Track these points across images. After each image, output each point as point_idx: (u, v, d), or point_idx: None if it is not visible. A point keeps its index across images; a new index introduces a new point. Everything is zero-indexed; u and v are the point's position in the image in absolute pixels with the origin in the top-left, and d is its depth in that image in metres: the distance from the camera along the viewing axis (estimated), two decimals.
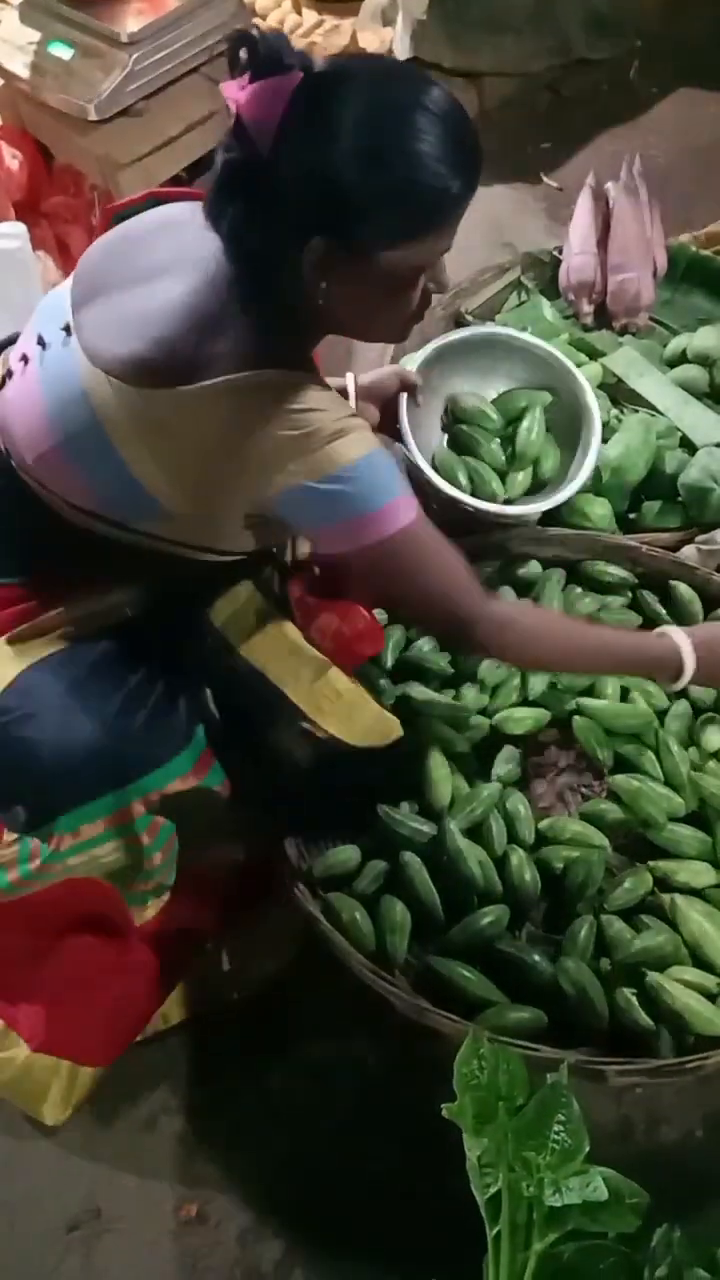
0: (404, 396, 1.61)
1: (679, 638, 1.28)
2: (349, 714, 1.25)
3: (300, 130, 0.95)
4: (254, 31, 0.97)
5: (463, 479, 1.69)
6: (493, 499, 1.69)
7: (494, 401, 1.81)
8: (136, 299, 1.08)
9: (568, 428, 1.75)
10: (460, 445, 1.77)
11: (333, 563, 1.27)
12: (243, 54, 0.96)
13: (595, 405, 1.70)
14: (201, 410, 1.03)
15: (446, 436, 1.78)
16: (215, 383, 1.02)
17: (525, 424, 1.76)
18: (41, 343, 1.13)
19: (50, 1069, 1.33)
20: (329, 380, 1.52)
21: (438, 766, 1.45)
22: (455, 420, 1.78)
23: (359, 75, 0.98)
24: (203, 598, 1.26)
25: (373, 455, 1.07)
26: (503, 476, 1.75)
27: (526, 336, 1.81)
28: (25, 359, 1.15)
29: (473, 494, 1.67)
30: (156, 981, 1.36)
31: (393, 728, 1.31)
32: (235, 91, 0.96)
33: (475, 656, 1.49)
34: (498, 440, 1.78)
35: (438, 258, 1.07)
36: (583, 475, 1.66)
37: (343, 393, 1.52)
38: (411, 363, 1.72)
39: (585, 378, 1.74)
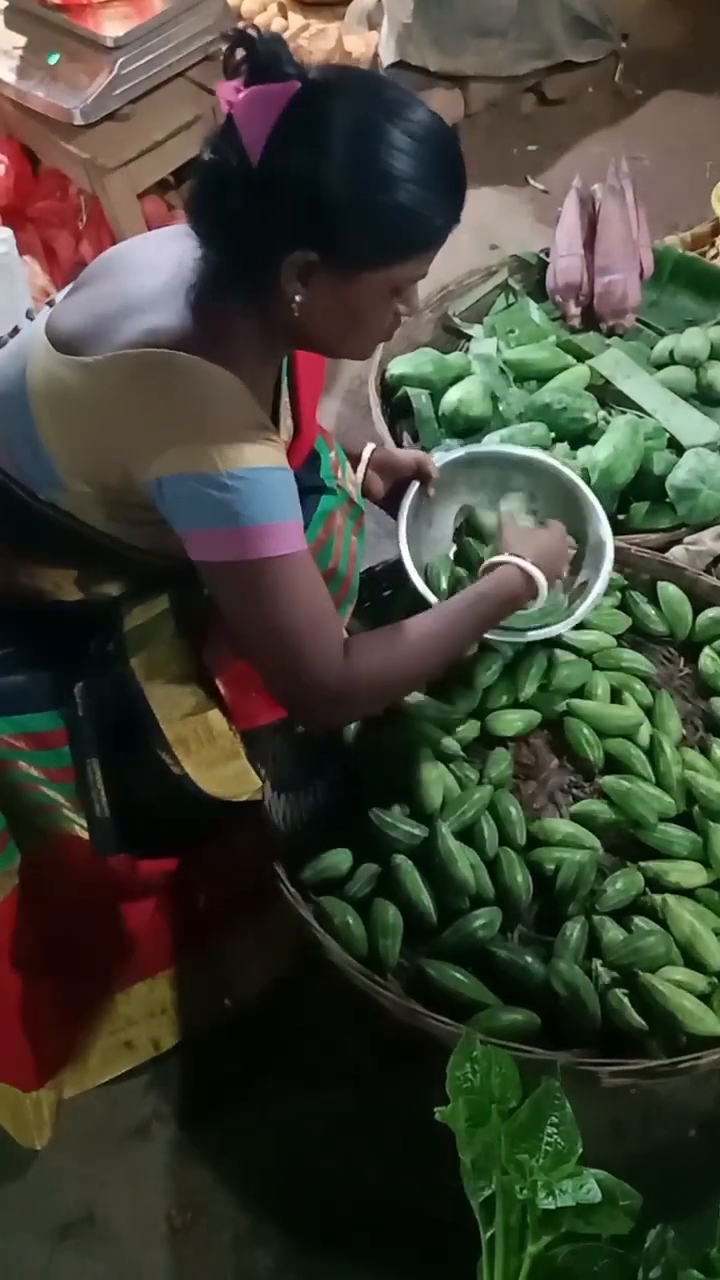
0: (415, 484, 1.57)
1: (517, 562, 1.32)
2: (213, 760, 1.20)
3: (293, 141, 0.94)
4: (253, 33, 0.96)
5: (444, 584, 1.56)
6: None
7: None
8: (111, 287, 1.10)
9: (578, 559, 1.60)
10: (465, 557, 1.64)
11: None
12: (240, 56, 0.95)
13: (610, 554, 1.54)
14: (102, 379, 1.02)
15: (455, 546, 1.68)
16: (120, 353, 1.02)
17: None
18: (30, 316, 1.15)
19: (11, 1098, 1.32)
20: (348, 447, 1.49)
21: (429, 769, 1.45)
22: (468, 531, 1.68)
23: (358, 93, 0.98)
24: (125, 601, 1.25)
25: (273, 471, 1.03)
26: None
27: (568, 471, 1.64)
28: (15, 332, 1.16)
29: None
30: (72, 1000, 1.34)
31: (249, 787, 1.24)
32: (230, 93, 0.95)
33: (310, 720, 1.30)
34: None
35: (414, 282, 1.07)
36: (575, 618, 1.50)
37: (357, 458, 1.50)
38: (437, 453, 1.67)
39: (607, 525, 1.58)
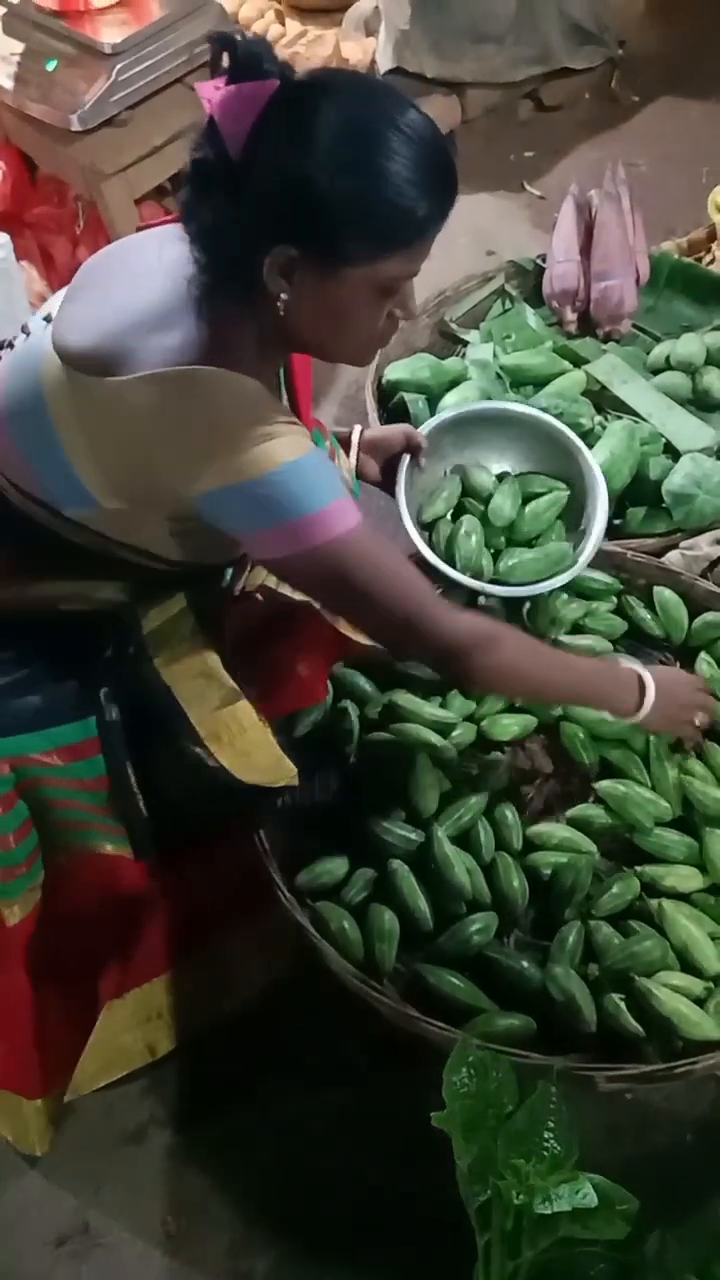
0: (406, 458, 1.59)
1: (645, 678, 1.30)
2: (248, 749, 1.22)
3: (273, 137, 0.95)
4: (235, 35, 0.97)
5: (458, 550, 1.61)
6: (477, 574, 1.59)
7: (514, 478, 1.72)
8: (114, 296, 1.10)
9: (574, 514, 1.68)
10: (463, 513, 1.68)
11: (283, 578, 1.23)
12: (224, 57, 0.96)
13: (604, 498, 1.62)
14: (131, 399, 1.03)
15: (450, 506, 1.69)
16: (146, 374, 1.02)
17: (535, 507, 1.68)
18: (25, 330, 1.17)
19: (14, 1105, 1.33)
20: (336, 430, 1.53)
21: (425, 773, 1.45)
22: (464, 493, 1.71)
23: (337, 88, 0.98)
24: (140, 605, 1.26)
25: (305, 459, 1.04)
26: (497, 553, 1.66)
27: (546, 417, 1.73)
28: (10, 346, 1.18)
29: (456, 565, 1.59)
30: (78, 1010, 1.35)
31: (286, 773, 1.26)
32: (210, 92, 0.96)
33: (444, 674, 1.33)
34: (502, 519, 1.67)
35: (403, 282, 1.06)
36: (578, 567, 1.58)
37: (347, 442, 1.52)
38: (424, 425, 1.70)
39: (597, 463, 1.68)
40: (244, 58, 0.95)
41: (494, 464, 1.74)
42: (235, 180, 0.97)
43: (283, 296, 1.02)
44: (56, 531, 1.16)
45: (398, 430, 1.60)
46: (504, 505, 1.66)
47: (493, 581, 1.59)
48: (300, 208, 0.97)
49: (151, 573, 1.21)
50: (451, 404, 1.92)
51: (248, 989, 1.45)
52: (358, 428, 1.54)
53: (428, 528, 1.65)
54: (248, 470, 1.02)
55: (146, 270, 1.10)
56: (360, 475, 1.54)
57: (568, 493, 1.68)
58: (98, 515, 1.12)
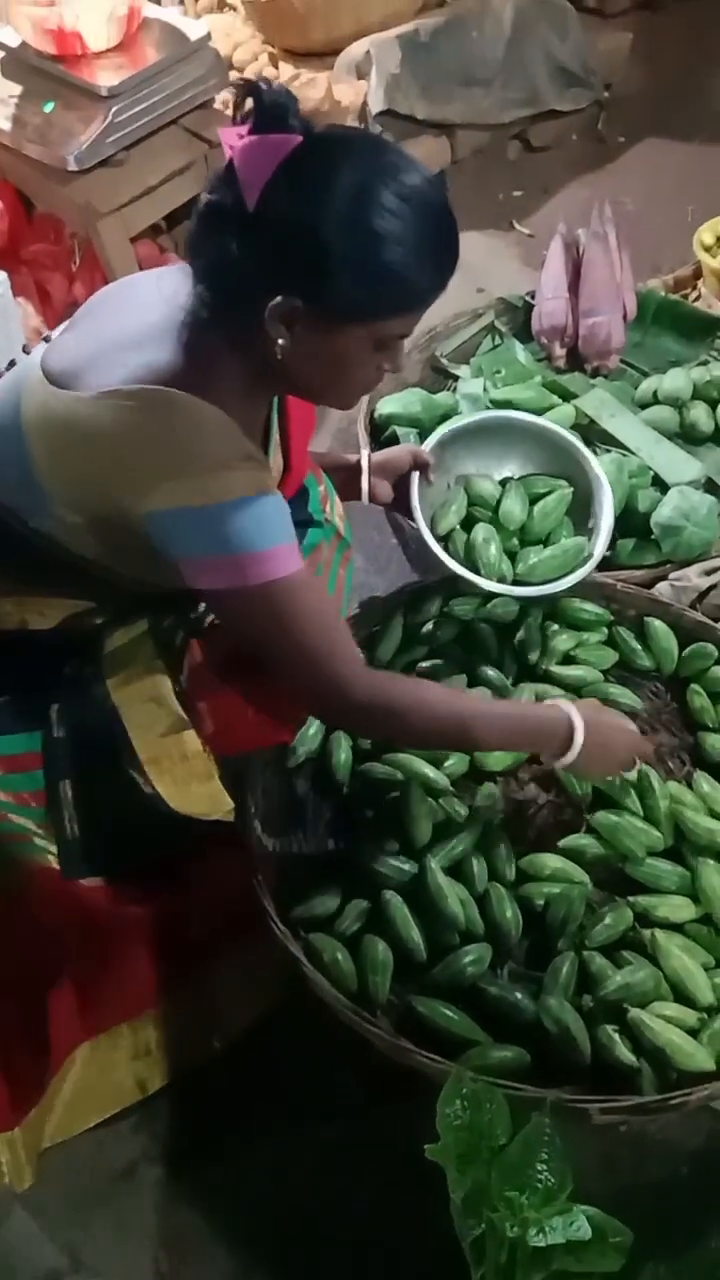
0: (416, 475, 1.61)
1: (569, 709, 1.29)
2: (185, 779, 1.21)
3: (290, 191, 0.97)
4: (263, 84, 0.99)
5: (479, 558, 1.64)
6: (501, 579, 1.63)
7: (517, 482, 1.75)
8: (107, 322, 1.13)
9: (579, 512, 1.72)
10: (472, 522, 1.72)
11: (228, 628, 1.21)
12: (249, 104, 0.98)
13: (609, 491, 1.67)
14: (95, 414, 1.04)
15: (461, 517, 1.72)
16: (116, 388, 1.04)
17: (543, 507, 1.71)
18: (26, 350, 1.17)
19: None
20: (345, 456, 1.55)
21: (418, 804, 1.45)
22: (470, 502, 1.74)
23: (357, 152, 1.01)
24: (107, 626, 1.26)
25: (260, 499, 1.05)
26: (513, 556, 1.69)
27: (541, 421, 1.78)
28: (12, 365, 1.18)
29: (480, 572, 1.62)
30: (47, 1039, 1.33)
31: (221, 807, 1.24)
32: (234, 139, 0.98)
33: (342, 728, 1.38)
34: (514, 522, 1.70)
35: (398, 341, 1.09)
36: (595, 558, 1.63)
37: (357, 467, 1.54)
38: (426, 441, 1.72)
39: (598, 464, 1.71)
40: (270, 108, 0.97)
41: (496, 471, 1.78)
42: (247, 226, 0.99)
43: (280, 342, 1.04)
44: (30, 543, 1.16)
45: (404, 450, 1.62)
46: (514, 508, 1.70)
47: (516, 583, 1.63)
48: (309, 264, 0.99)
49: (118, 593, 1.21)
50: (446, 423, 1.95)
51: (236, 1025, 1.44)
52: (365, 452, 1.56)
53: (442, 539, 1.67)
54: (199, 495, 1.03)
55: (144, 301, 1.12)
56: (373, 499, 1.56)
57: (571, 489, 1.72)
58: (59, 529, 1.12)
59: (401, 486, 1.61)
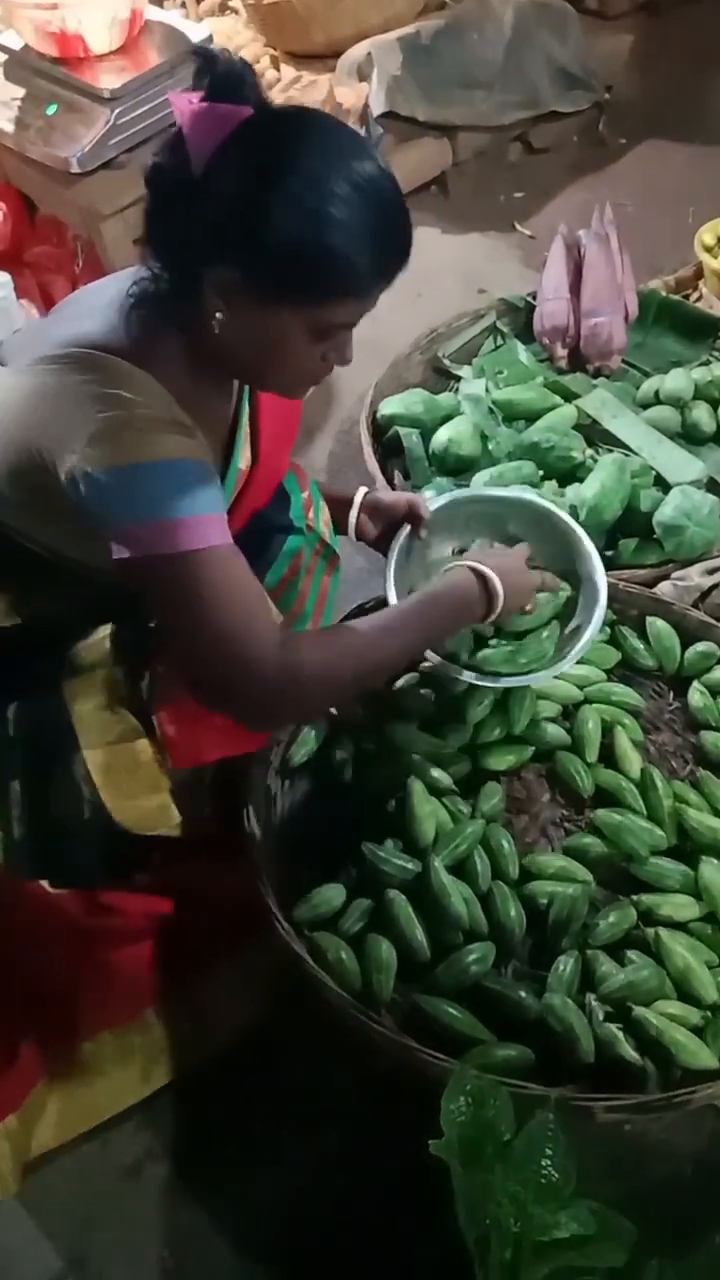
0: (406, 528, 1.51)
1: (474, 565, 1.28)
2: (133, 791, 1.18)
3: (235, 161, 0.96)
4: (217, 52, 0.99)
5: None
6: (452, 658, 1.49)
7: None
8: (65, 311, 1.14)
9: (570, 608, 1.56)
10: None
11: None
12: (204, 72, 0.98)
13: (603, 601, 1.49)
14: (23, 382, 1.04)
15: None
16: (45, 354, 1.04)
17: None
18: None
19: None
20: (343, 490, 1.50)
21: (421, 804, 1.45)
22: None
23: (308, 131, 1.00)
24: (75, 628, 1.25)
25: (185, 463, 1.01)
26: (480, 640, 1.54)
27: (561, 514, 1.59)
28: None
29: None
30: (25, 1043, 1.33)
31: (166, 822, 1.21)
32: (185, 105, 0.97)
33: (254, 725, 1.23)
34: None
35: (341, 331, 1.07)
36: (569, 660, 1.45)
37: (349, 502, 1.49)
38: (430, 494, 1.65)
39: (602, 570, 1.52)
40: (223, 77, 0.97)
41: (500, 544, 1.61)
42: (192, 193, 0.98)
43: (218, 315, 1.03)
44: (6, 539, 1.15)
45: (403, 499, 1.52)
46: None
47: (467, 667, 1.48)
48: (247, 237, 0.98)
49: (73, 581, 1.17)
50: (455, 433, 1.91)
51: (228, 1031, 1.43)
52: (362, 489, 1.51)
53: None
54: (121, 455, 0.99)
55: (98, 289, 1.14)
56: (359, 535, 1.51)
57: (568, 594, 1.55)
58: (7, 507, 1.11)
59: (390, 533, 1.52)
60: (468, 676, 1.45)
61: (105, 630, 1.25)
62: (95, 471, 1.00)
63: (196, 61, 0.98)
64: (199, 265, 1.01)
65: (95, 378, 1.02)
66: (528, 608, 1.41)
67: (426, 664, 1.55)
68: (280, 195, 0.96)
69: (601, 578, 1.51)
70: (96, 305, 1.10)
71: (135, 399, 1.02)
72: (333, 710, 1.47)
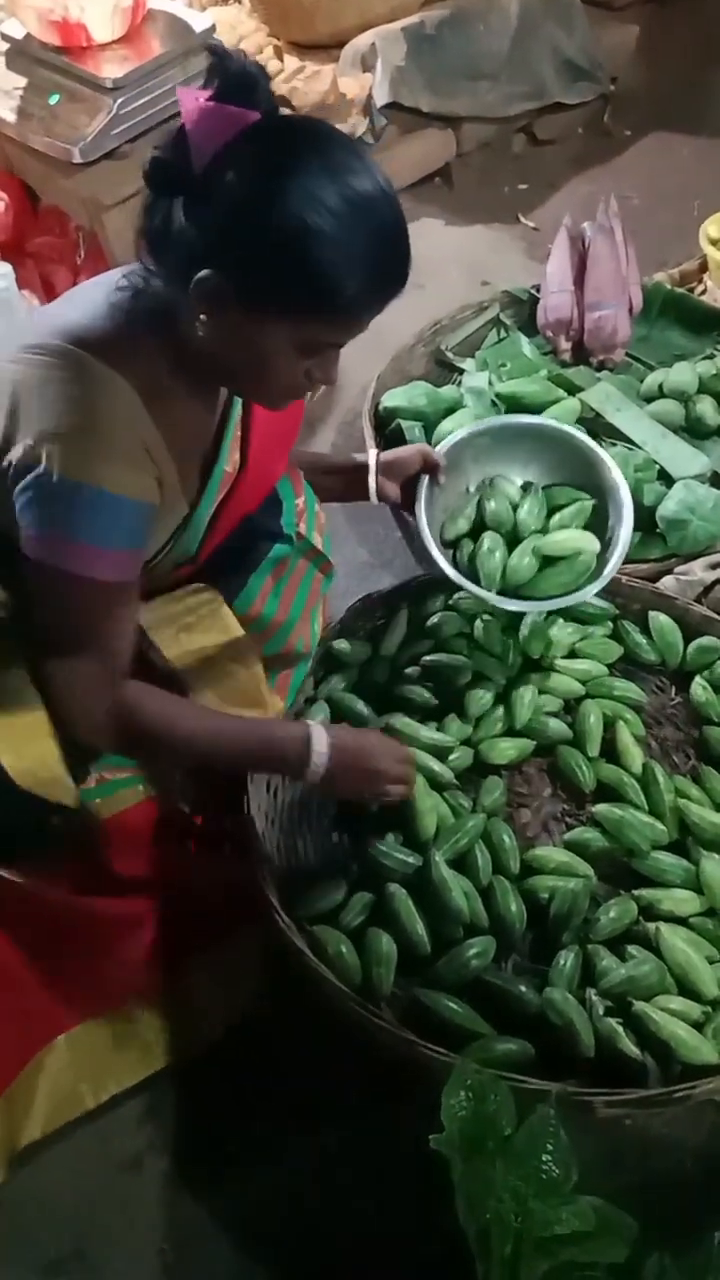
0: (425, 478, 1.56)
1: (315, 730, 1.25)
2: (25, 754, 1.16)
3: (237, 166, 0.95)
4: (231, 52, 0.97)
5: (481, 568, 1.58)
6: (502, 591, 1.56)
7: (541, 490, 1.67)
8: (67, 296, 1.13)
9: (599, 525, 1.62)
10: (482, 526, 1.65)
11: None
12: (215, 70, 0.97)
13: (628, 503, 1.57)
14: (10, 369, 1.04)
15: (470, 524, 1.66)
16: (29, 344, 1.03)
17: (560, 519, 1.63)
18: None
19: None
20: (354, 458, 1.52)
21: (422, 798, 1.45)
22: (490, 507, 1.65)
23: (316, 145, 0.98)
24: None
25: (121, 501, 1.04)
26: (520, 567, 1.59)
27: (563, 426, 1.70)
28: None
29: (485, 584, 1.56)
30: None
31: (63, 794, 1.19)
32: (191, 101, 0.96)
33: (82, 733, 1.20)
34: (530, 529, 1.62)
35: (326, 350, 1.06)
36: (608, 573, 1.52)
37: (364, 468, 1.51)
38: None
39: (619, 472, 1.60)
40: (236, 79, 0.96)
41: (518, 476, 1.71)
42: (190, 192, 0.98)
43: (202, 317, 1.02)
44: None
45: (414, 450, 1.57)
46: (529, 519, 1.62)
47: (520, 597, 1.56)
48: (239, 244, 0.97)
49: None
50: (457, 426, 1.91)
51: (216, 1024, 1.42)
52: (373, 452, 1.54)
53: (451, 545, 1.64)
54: (70, 468, 1.01)
55: (93, 284, 1.13)
56: (380, 497, 1.54)
57: (593, 503, 1.62)
58: None
59: (410, 487, 1.57)
60: (517, 605, 1.51)
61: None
62: (41, 471, 1.02)
63: (210, 59, 0.97)
64: (189, 265, 1.00)
65: (68, 375, 1.02)
66: (382, 798, 1.37)
67: (463, 595, 1.61)
68: (276, 206, 0.95)
69: (622, 480, 1.59)
70: (88, 294, 1.10)
71: (101, 411, 1.02)
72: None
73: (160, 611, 1.26)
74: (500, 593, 1.55)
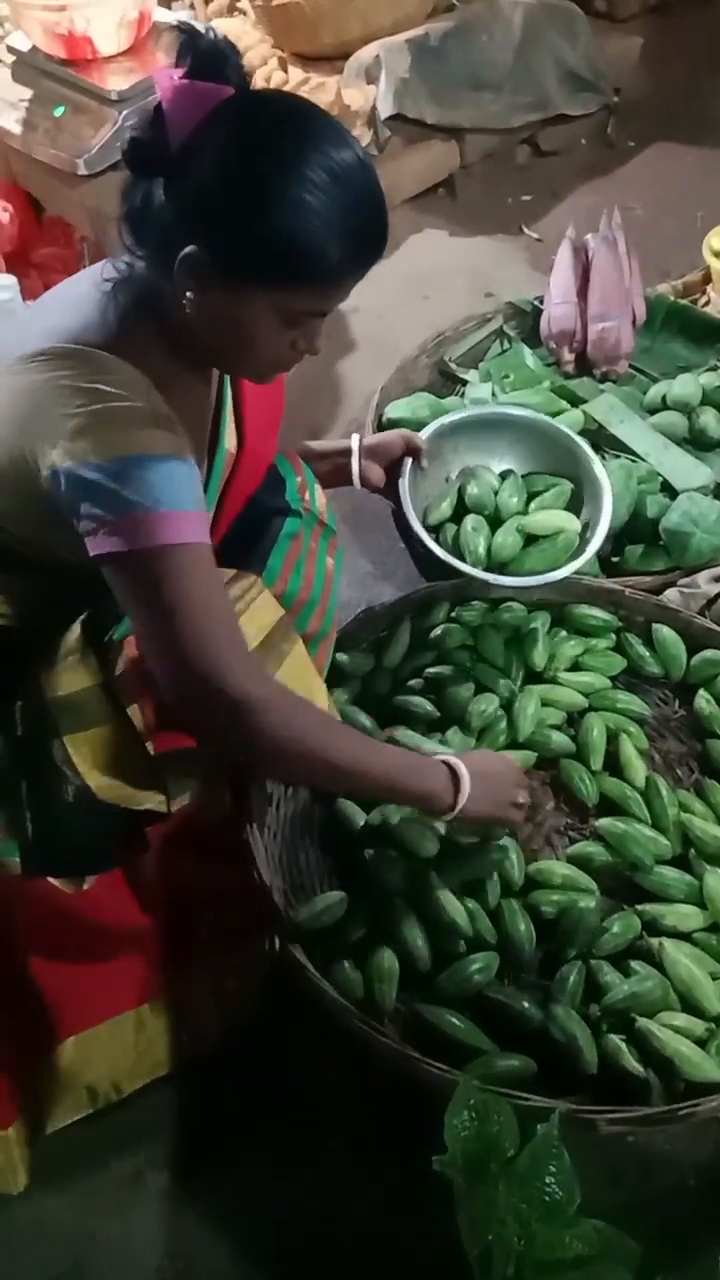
0: (409, 461, 1.58)
1: (455, 764, 1.24)
2: (113, 769, 1.15)
3: (212, 141, 0.96)
4: (201, 29, 0.99)
5: (466, 548, 1.64)
6: (489, 568, 1.62)
7: (519, 477, 1.74)
8: (48, 303, 1.14)
9: (578, 509, 1.70)
10: (462, 515, 1.70)
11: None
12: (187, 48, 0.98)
13: (607, 488, 1.64)
14: (9, 382, 1.04)
15: (453, 509, 1.72)
16: (26, 353, 1.03)
17: (540, 502, 1.70)
18: None
19: None
20: (338, 442, 1.53)
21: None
22: (470, 493, 1.71)
23: (286, 115, 1.00)
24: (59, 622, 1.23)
25: (169, 460, 1.01)
26: (503, 548, 1.65)
27: (541, 417, 1.78)
28: None
29: (471, 563, 1.61)
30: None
31: (151, 798, 1.18)
32: (166, 80, 0.97)
33: (209, 739, 1.17)
34: (511, 512, 1.69)
35: (310, 318, 1.06)
36: (587, 553, 1.59)
37: (347, 452, 1.52)
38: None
39: (597, 460, 1.68)
40: (206, 55, 0.97)
41: (496, 465, 1.76)
42: (168, 171, 0.99)
43: (188, 295, 1.02)
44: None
45: (396, 435, 1.59)
46: (510, 501, 1.69)
47: (504, 574, 1.61)
48: (218, 217, 0.98)
49: (59, 578, 1.17)
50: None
51: (219, 1032, 1.43)
52: (355, 436, 1.54)
53: (434, 530, 1.68)
54: (105, 450, 0.99)
55: (75, 280, 1.14)
56: (364, 483, 1.55)
57: (571, 486, 1.70)
58: None
59: (393, 471, 1.58)
60: (506, 580, 1.56)
61: (79, 616, 1.22)
62: (78, 467, 0.99)
63: (180, 37, 0.98)
64: (171, 244, 1.00)
65: (74, 371, 1.02)
66: (511, 819, 1.35)
67: (457, 580, 1.64)
68: (250, 180, 0.96)
69: (601, 471, 1.66)
70: (71, 297, 1.10)
71: (116, 391, 1.01)
72: (274, 780, 1.42)
73: None
74: (486, 570, 1.60)
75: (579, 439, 1.72)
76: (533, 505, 1.70)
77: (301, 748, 1.12)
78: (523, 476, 1.75)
